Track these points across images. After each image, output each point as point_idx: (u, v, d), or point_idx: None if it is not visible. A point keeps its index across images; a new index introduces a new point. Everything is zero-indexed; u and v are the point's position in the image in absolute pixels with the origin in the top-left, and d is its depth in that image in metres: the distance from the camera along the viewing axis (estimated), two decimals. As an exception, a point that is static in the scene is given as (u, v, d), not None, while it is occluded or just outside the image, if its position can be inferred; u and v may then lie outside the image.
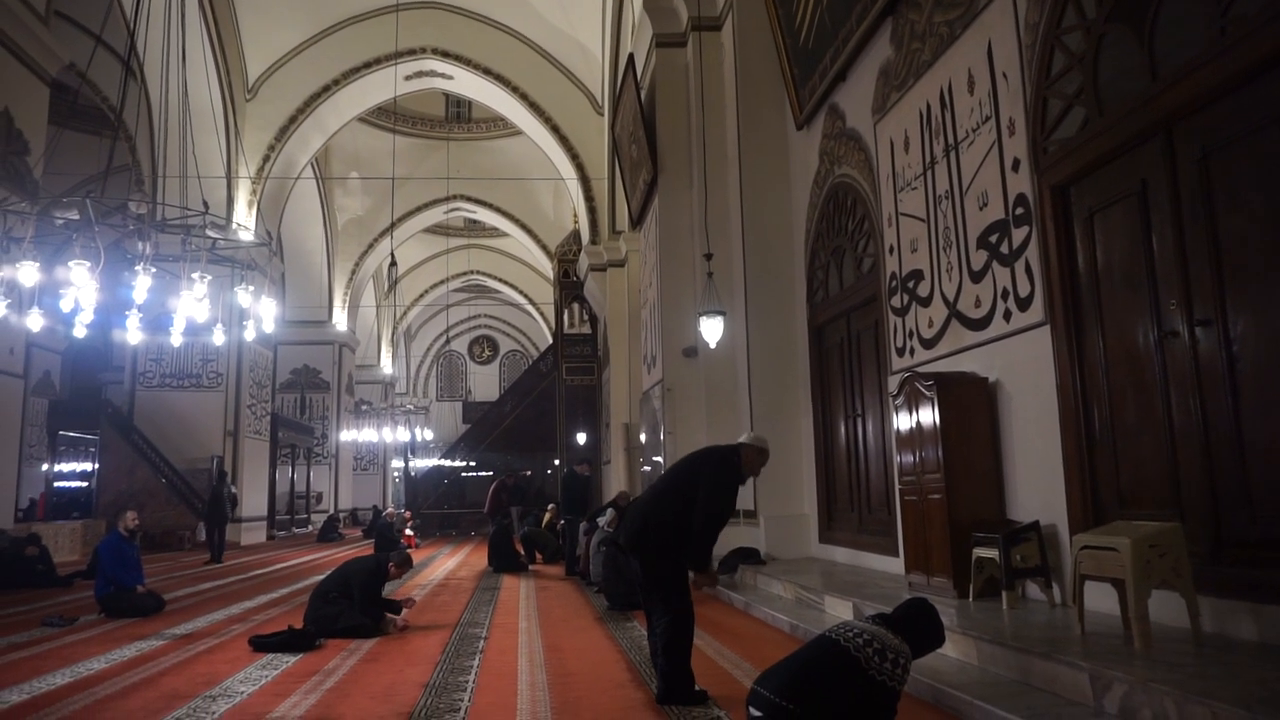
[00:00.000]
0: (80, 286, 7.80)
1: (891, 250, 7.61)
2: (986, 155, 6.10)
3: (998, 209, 5.96)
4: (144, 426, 17.76)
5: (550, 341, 28.51)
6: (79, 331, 8.72)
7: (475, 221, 29.12)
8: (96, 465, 18.85)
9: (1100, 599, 4.51)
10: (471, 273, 32.28)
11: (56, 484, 21.35)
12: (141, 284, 8.13)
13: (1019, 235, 5.73)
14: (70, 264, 7.82)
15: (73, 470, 23.26)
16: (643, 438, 13.97)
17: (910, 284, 7.25)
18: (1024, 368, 5.73)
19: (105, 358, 23.02)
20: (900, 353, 7.46)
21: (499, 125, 23.95)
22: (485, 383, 40.81)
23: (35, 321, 8.87)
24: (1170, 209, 4.54)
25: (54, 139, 12.82)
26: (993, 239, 6.04)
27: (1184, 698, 3.14)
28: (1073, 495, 5.23)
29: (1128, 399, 4.88)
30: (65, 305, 8.07)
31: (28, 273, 8.05)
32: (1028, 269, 5.63)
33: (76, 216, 8.28)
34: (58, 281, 8.16)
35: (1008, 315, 5.87)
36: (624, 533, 4.59)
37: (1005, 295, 5.89)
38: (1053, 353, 5.40)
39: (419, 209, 25.99)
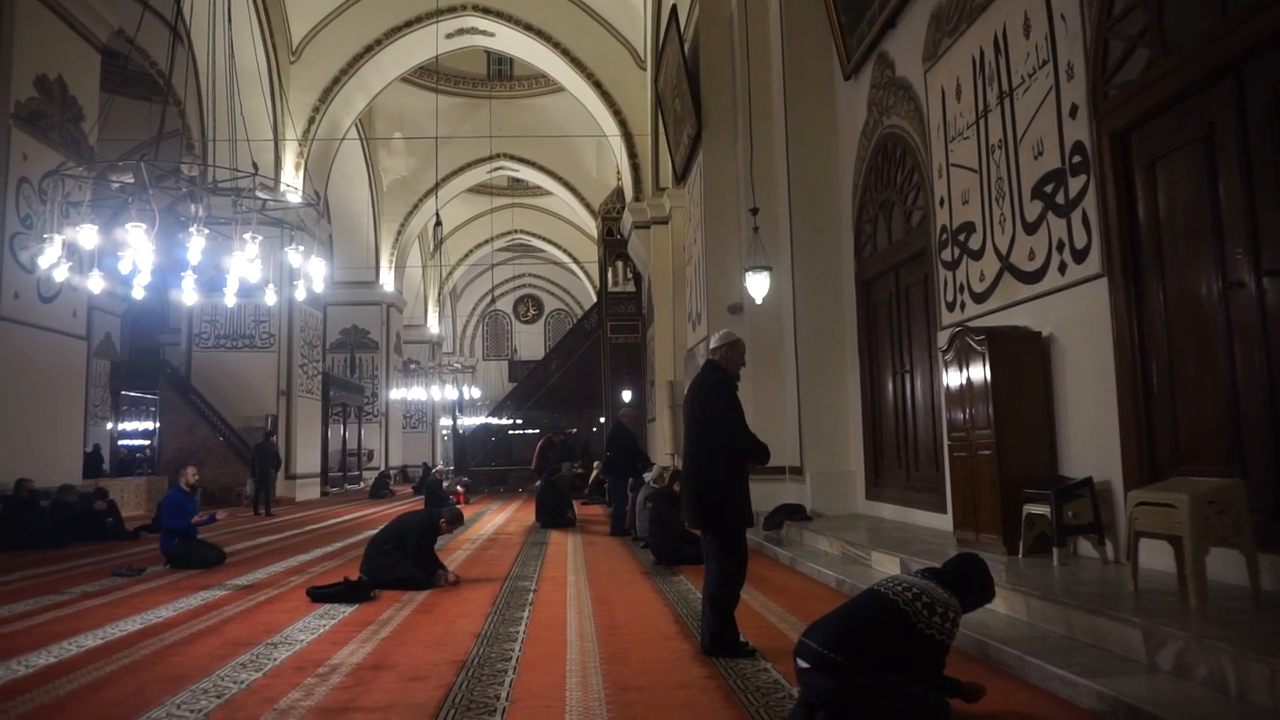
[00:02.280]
0: (137, 248, 7.98)
1: (942, 202, 7.44)
2: (1043, 102, 5.89)
3: (1054, 158, 5.78)
4: (201, 386, 18.27)
5: (594, 300, 28.55)
6: (137, 293, 8.96)
7: (518, 180, 29.10)
8: (157, 424, 19.47)
9: (1155, 556, 4.43)
10: (515, 232, 32.36)
11: (121, 442, 22.13)
12: (195, 245, 8.30)
13: (1076, 185, 5.55)
14: (127, 227, 8.00)
15: (135, 429, 24.09)
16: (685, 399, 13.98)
17: (961, 237, 7.09)
18: (1079, 321, 5.59)
19: (162, 320, 23.67)
20: (950, 307, 7.32)
21: (541, 82, 23.77)
22: (530, 341, 41.10)
23: (96, 283, 9.12)
24: (1238, 154, 4.36)
25: (107, 105, 13.05)
26: (1048, 189, 5.86)
27: (1241, 655, 3.08)
28: (1128, 451, 5.12)
29: (1188, 353, 4.74)
30: (124, 267, 8.28)
31: (87, 235, 8.26)
32: (1084, 219, 5.46)
33: (131, 180, 8.45)
34: (116, 243, 8.36)
35: (1063, 268, 5.71)
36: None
37: (1060, 247, 5.73)
38: (1110, 305, 5.26)
39: (462, 169, 26.05)
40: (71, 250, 8.77)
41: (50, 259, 8.56)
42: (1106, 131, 5.25)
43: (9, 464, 10.37)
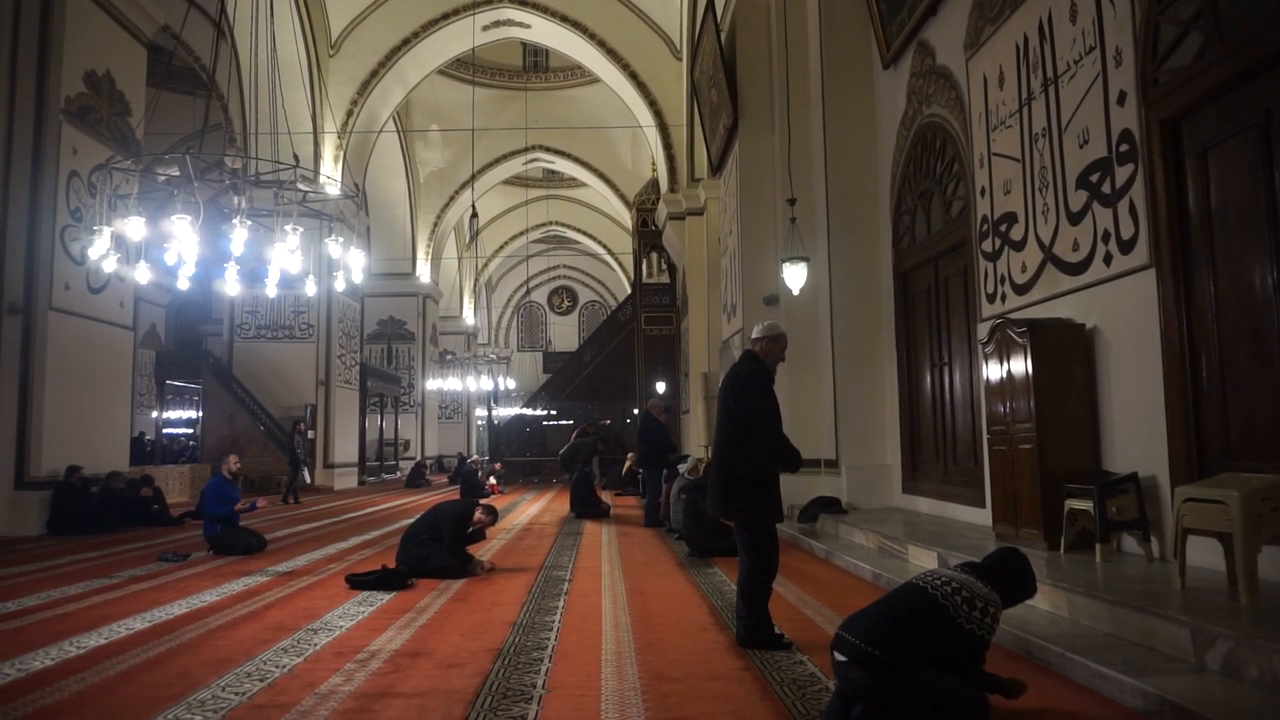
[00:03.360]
0: (183, 240, 8.13)
1: (983, 192, 7.32)
2: (1089, 89, 5.76)
3: (1100, 146, 5.65)
4: (242, 376, 18.59)
5: (629, 291, 28.55)
6: (183, 284, 9.12)
7: (554, 172, 29.18)
8: (200, 413, 19.87)
9: (1203, 554, 4.33)
10: (550, 224, 32.46)
11: (165, 430, 22.64)
12: (238, 237, 8.42)
13: (1123, 174, 5.42)
14: (173, 219, 8.15)
15: (179, 418, 24.61)
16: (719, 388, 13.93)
17: (1003, 227, 6.97)
18: (1125, 313, 5.47)
19: (205, 311, 24.11)
20: (991, 299, 7.21)
21: (576, 74, 23.80)
22: (565, 333, 41.27)
23: (144, 274, 9.31)
24: (1296, 141, 4.22)
25: (153, 100, 13.29)
26: (1093, 178, 5.73)
27: (1295, 656, 3.00)
28: (1175, 446, 5.00)
29: (1240, 346, 4.62)
30: (169, 258, 8.43)
31: (135, 227, 8.43)
32: (1131, 209, 5.33)
33: (177, 173, 8.60)
34: (162, 235, 8.52)
35: (1108, 259, 5.59)
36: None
37: (1106, 238, 5.61)
38: (1158, 297, 5.14)
39: (498, 160, 26.17)
40: (119, 242, 8.95)
41: (100, 250, 8.74)
42: (1156, 119, 5.12)
43: (60, 451, 10.65)
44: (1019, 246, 6.72)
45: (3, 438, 10.27)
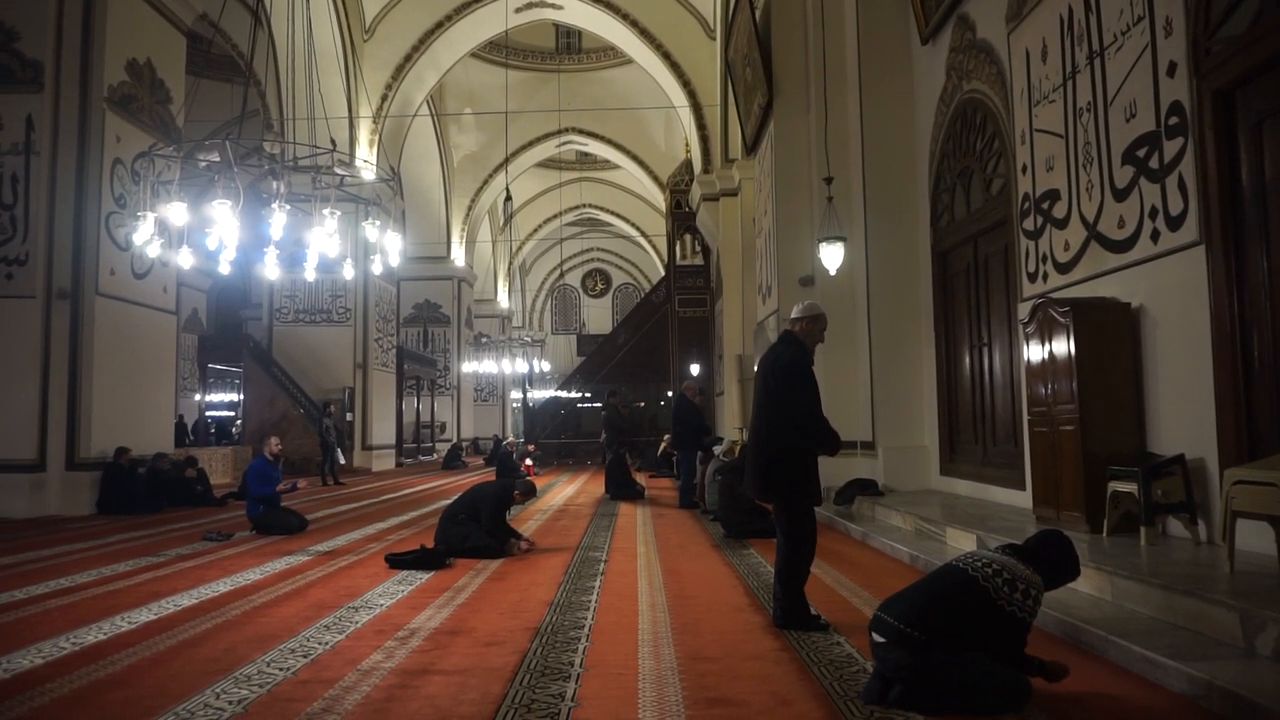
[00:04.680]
0: (224, 225, 8.24)
1: (1024, 169, 7.17)
2: (1137, 60, 5.60)
3: (1148, 120, 5.49)
4: (281, 360, 18.90)
5: (662, 273, 28.49)
6: (224, 268, 9.27)
7: (587, 154, 29.14)
8: (242, 396, 20.24)
9: (1253, 538, 4.23)
10: (584, 206, 32.46)
11: (208, 413, 23.12)
12: (277, 221, 8.53)
13: (1172, 148, 5.27)
14: (213, 203, 8.27)
15: (221, 401, 25.09)
16: (756, 369, 13.86)
17: (1045, 205, 6.83)
18: (1172, 292, 5.34)
19: (245, 295, 24.52)
20: (1032, 278, 7.08)
21: (609, 55, 23.69)
22: (599, 315, 41.33)
23: (186, 258, 9.46)
24: (1355, 111, 4.07)
25: (192, 88, 13.45)
26: (1140, 153, 5.58)
27: (1350, 641, 2.93)
28: (1225, 428, 4.88)
29: (1294, 324, 4.49)
30: (211, 243, 8.57)
31: (177, 212, 8.57)
32: (1180, 184, 5.19)
33: (217, 159, 8.72)
34: (203, 220, 8.65)
35: (1155, 235, 5.45)
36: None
37: (1154, 214, 5.46)
38: (1207, 275, 4.99)
39: (531, 143, 26.19)
40: (162, 227, 9.11)
41: (144, 236, 8.90)
42: (1208, 90, 4.96)
43: (109, 433, 10.92)
44: (1062, 224, 6.58)
45: (54, 420, 10.56)
